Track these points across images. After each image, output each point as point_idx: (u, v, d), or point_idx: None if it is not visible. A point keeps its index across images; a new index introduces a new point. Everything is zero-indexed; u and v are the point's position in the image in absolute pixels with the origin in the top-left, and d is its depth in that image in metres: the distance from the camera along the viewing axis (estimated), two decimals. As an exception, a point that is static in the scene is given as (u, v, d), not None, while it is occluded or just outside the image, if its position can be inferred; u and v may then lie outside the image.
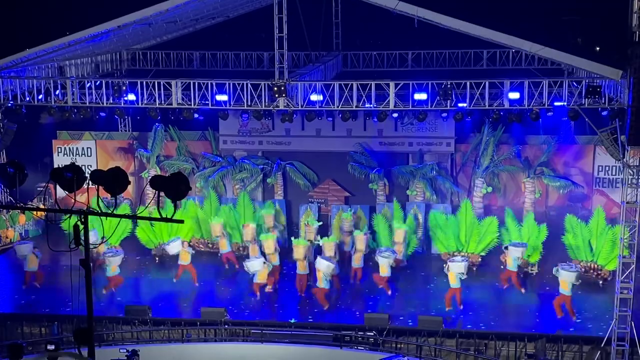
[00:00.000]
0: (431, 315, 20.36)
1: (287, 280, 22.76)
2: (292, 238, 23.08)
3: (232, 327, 20.10)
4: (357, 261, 22.59)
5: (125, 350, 16.97)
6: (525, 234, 23.02)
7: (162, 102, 22.45)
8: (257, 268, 21.56)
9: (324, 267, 20.89)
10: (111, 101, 22.77)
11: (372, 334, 19.45)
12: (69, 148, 29.07)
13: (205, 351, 19.54)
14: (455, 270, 20.69)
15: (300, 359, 18.96)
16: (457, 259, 21.33)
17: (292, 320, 20.33)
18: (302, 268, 21.83)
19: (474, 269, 23.08)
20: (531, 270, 22.93)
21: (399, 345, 19.43)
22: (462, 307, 20.74)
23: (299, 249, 21.80)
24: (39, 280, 22.53)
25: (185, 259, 22.91)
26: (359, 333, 19.51)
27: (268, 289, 21.98)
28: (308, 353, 18.99)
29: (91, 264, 9.15)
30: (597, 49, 33.24)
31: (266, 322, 20.27)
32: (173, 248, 23.11)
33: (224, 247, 23.86)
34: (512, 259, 21.82)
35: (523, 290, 21.79)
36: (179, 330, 20.04)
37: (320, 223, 24.63)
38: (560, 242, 23.11)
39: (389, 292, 21.76)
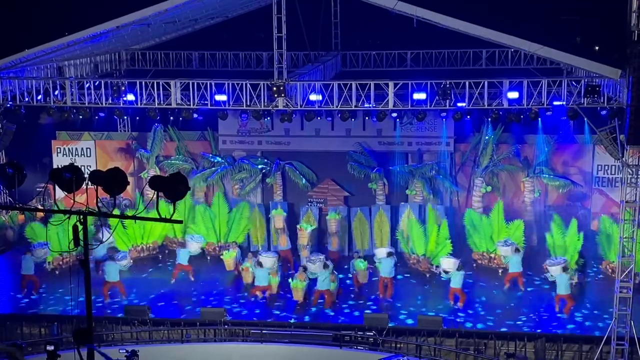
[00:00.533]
0: (431, 315, 20.38)
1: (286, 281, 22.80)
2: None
3: (231, 327, 20.11)
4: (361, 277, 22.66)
5: (124, 351, 16.96)
6: (568, 241, 22.99)
7: (161, 102, 22.44)
8: (267, 270, 21.62)
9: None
10: (110, 101, 22.77)
11: (372, 333, 19.45)
12: (69, 148, 29.05)
13: (205, 351, 19.55)
14: (445, 266, 21.00)
15: (300, 359, 18.97)
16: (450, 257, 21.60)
17: (292, 321, 20.34)
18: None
19: (500, 272, 23.16)
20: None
21: (398, 345, 19.44)
22: (461, 305, 20.80)
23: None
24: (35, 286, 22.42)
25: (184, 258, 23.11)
26: (359, 333, 19.52)
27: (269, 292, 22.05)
28: (308, 353, 19.00)
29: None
30: (596, 48, 33.25)
31: (266, 322, 20.28)
32: (193, 246, 23.42)
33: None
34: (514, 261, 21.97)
35: (522, 289, 21.81)
36: (179, 330, 20.05)
37: (315, 227, 24.67)
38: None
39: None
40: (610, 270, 22.61)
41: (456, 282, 21.14)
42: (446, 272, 21.34)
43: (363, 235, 25.29)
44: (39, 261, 23.21)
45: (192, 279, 23.02)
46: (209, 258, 25.12)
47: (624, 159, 18.51)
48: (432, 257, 23.40)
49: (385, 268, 21.94)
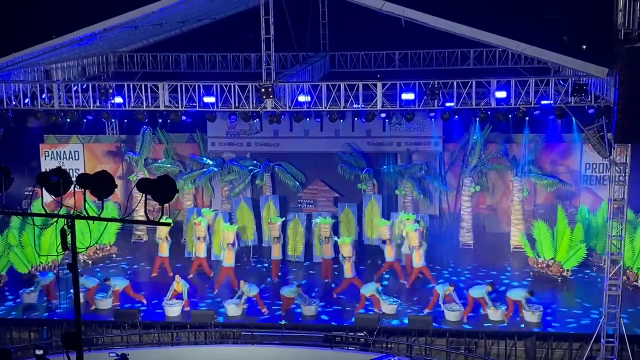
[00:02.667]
0: (421, 315, 20.40)
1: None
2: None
3: (222, 329, 20.07)
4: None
5: (114, 354, 16.89)
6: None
7: (150, 104, 22.35)
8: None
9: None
10: (98, 104, 22.64)
11: (363, 334, 19.47)
12: (57, 152, 28.93)
13: (195, 354, 19.50)
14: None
15: (291, 360, 18.97)
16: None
17: (283, 322, 20.32)
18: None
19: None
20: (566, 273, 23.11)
21: (389, 345, 19.46)
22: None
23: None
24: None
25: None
26: (350, 334, 19.53)
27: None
28: (299, 354, 19.00)
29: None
30: (584, 47, 33.41)
31: (257, 324, 20.26)
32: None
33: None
34: None
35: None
36: (169, 333, 20.00)
37: (284, 219, 24.60)
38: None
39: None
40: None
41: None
42: None
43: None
44: None
45: (171, 274, 23.07)
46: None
47: (611, 157, 18.59)
48: (563, 262, 23.04)
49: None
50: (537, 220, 24.23)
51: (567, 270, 23.01)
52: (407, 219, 23.59)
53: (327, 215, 24.48)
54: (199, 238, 23.69)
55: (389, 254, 22.98)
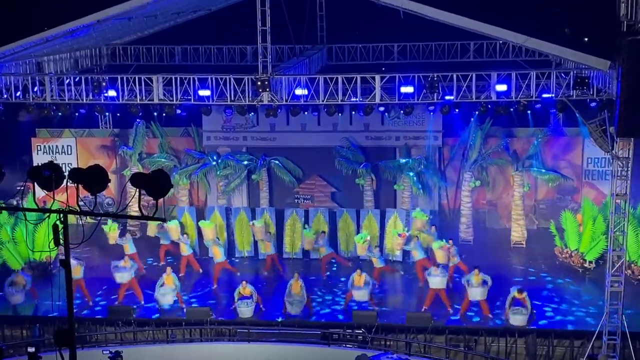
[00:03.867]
0: (420, 312, 20.41)
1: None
2: None
3: (218, 326, 20.08)
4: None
5: (108, 352, 16.91)
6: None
7: (143, 98, 22.29)
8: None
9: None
10: (91, 97, 22.59)
11: (361, 331, 19.48)
12: (49, 146, 28.89)
13: (191, 351, 19.52)
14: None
15: (288, 358, 18.97)
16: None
17: (279, 319, 20.33)
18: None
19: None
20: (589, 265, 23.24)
21: (387, 343, 19.48)
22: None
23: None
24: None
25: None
26: (347, 331, 19.54)
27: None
28: (296, 352, 19.01)
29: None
30: (586, 39, 33.38)
31: (253, 321, 20.26)
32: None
33: (218, 256, 23.26)
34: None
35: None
36: (164, 330, 20.00)
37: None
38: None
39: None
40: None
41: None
42: None
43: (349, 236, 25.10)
44: None
45: (143, 271, 23.25)
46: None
47: (613, 151, 18.60)
48: (585, 253, 23.21)
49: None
50: (565, 210, 24.39)
51: (590, 262, 23.07)
52: (418, 216, 23.70)
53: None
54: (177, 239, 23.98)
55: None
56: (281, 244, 25.02)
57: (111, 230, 24.04)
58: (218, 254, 23.09)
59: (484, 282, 20.11)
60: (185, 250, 23.74)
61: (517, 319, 19.66)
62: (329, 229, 24.74)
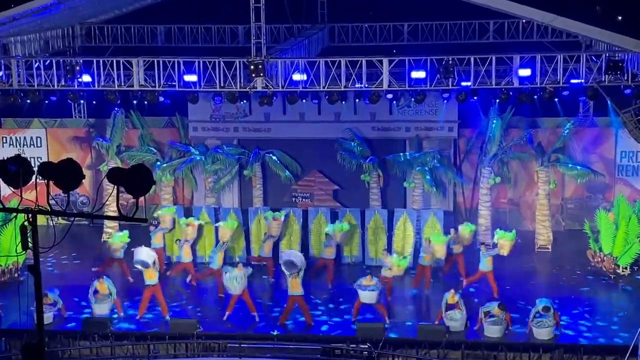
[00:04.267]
0: (433, 324, 20.45)
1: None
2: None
3: (205, 340, 20.10)
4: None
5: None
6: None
7: (122, 83, 22.35)
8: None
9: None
10: (63, 83, 22.65)
11: (366, 346, 19.51)
12: (15, 138, 28.92)
13: (175, 369, 19.57)
14: None
15: (284, 376, 19.04)
16: None
17: (275, 333, 20.37)
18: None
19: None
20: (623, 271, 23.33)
21: (396, 359, 19.50)
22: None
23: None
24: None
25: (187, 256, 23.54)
26: (351, 346, 19.57)
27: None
28: (293, 369, 19.07)
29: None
30: (619, 18, 33.41)
31: (245, 335, 20.29)
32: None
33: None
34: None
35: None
36: (145, 345, 20.02)
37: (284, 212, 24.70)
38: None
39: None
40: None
41: None
42: None
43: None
44: None
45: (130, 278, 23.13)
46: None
47: (650, 144, 18.62)
48: (619, 257, 23.31)
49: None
50: (599, 209, 24.44)
51: (623, 268, 23.13)
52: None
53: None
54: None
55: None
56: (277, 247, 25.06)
57: (119, 240, 23.56)
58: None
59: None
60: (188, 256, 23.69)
61: (542, 332, 19.69)
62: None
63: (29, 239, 9.08)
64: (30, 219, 8.97)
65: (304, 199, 27.00)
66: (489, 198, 26.46)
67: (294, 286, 20.37)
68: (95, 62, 22.16)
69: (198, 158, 27.16)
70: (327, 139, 26.69)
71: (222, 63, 21.66)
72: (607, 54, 20.34)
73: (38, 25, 26.63)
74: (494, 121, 25.92)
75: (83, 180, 9.21)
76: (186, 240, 23.69)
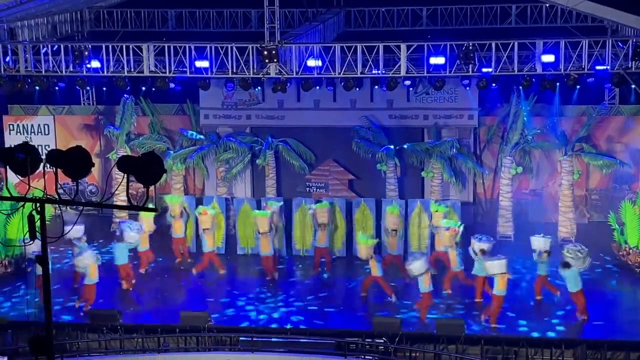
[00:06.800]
0: (451, 319, 20.46)
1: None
2: None
3: (217, 334, 20.19)
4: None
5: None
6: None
7: (132, 69, 22.42)
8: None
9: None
10: (71, 69, 22.75)
11: (382, 340, 19.54)
12: (23, 125, 29.03)
13: (185, 362, 19.68)
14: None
15: (297, 370, 19.10)
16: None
17: (288, 326, 20.44)
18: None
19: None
20: None
21: (413, 354, 19.53)
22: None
23: None
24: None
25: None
26: (367, 340, 19.61)
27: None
28: (306, 364, 19.13)
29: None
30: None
31: (257, 328, 20.37)
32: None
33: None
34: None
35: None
36: (155, 338, 20.11)
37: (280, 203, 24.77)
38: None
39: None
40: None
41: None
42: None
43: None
44: None
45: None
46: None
47: (679, 133, 18.53)
48: None
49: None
50: (625, 200, 24.36)
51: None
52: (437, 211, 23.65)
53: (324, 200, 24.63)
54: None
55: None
56: (290, 239, 25.11)
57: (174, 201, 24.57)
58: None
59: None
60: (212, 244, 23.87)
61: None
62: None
63: (38, 229, 9.13)
64: (39, 208, 9.01)
65: (318, 189, 26.99)
66: (510, 188, 26.38)
67: None
68: (104, 48, 22.23)
69: (210, 146, 27.22)
70: (342, 127, 26.69)
71: (234, 48, 21.68)
72: (635, 40, 20.22)
73: (45, 9, 26.72)
74: (516, 109, 25.83)
75: (92, 169, 9.24)
76: (206, 229, 23.78)
